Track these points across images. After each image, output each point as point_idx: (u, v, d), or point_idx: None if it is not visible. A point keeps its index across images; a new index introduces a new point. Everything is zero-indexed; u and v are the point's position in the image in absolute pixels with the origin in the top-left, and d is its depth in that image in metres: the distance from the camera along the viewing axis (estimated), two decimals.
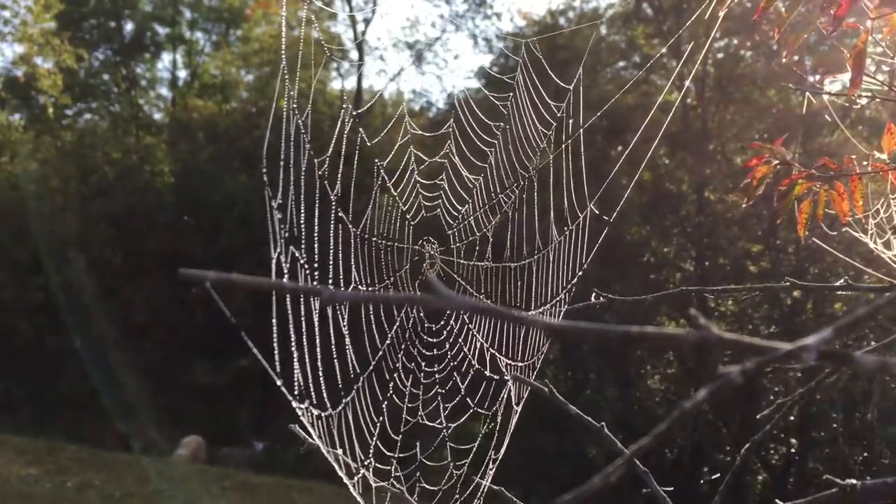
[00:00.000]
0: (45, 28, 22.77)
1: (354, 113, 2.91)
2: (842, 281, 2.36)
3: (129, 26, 28.88)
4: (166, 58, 29.95)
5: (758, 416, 2.51)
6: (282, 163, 2.31)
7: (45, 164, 25.42)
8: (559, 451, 16.78)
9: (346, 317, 2.68)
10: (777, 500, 1.77)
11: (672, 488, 2.03)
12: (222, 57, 29.15)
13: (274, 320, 2.04)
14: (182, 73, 29.72)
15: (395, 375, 3.13)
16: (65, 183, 24.59)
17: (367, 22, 26.79)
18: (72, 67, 23.46)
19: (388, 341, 3.15)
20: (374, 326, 3.11)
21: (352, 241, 3.02)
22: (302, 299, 2.16)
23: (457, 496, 2.57)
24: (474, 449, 2.83)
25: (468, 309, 0.76)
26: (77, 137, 26.46)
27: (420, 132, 3.48)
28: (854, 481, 1.68)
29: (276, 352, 2.04)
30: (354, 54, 25.03)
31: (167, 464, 17.48)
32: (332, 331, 2.53)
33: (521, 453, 14.72)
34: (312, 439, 2.24)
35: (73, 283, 22.35)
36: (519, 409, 2.67)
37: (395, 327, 3.21)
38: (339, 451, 2.30)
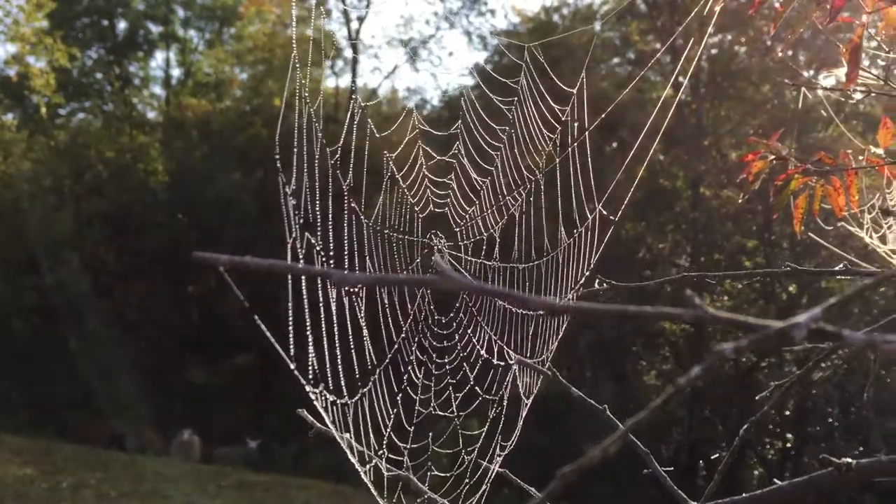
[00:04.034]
0: (37, 27, 22.66)
1: (364, 105, 2.91)
2: (840, 265, 2.38)
3: (121, 25, 28.83)
4: (160, 56, 29.89)
5: (756, 398, 2.54)
6: (294, 150, 2.32)
7: (39, 163, 25.37)
8: (557, 449, 16.80)
9: (362, 308, 2.70)
10: (775, 480, 1.79)
11: (672, 468, 2.05)
12: (216, 55, 29.08)
13: (290, 303, 2.05)
14: (175, 72, 29.69)
15: (409, 368, 3.16)
16: (58, 182, 24.55)
17: (360, 20, 26.76)
18: (65, 66, 23.35)
19: (402, 334, 3.18)
20: (389, 319, 3.14)
21: (365, 231, 3.05)
22: (319, 284, 2.18)
23: (467, 480, 2.60)
24: (483, 435, 2.86)
25: (474, 290, 0.78)
26: (70, 137, 26.41)
27: (427, 128, 3.50)
28: (849, 460, 1.70)
29: (290, 335, 2.05)
30: (348, 52, 24.99)
31: (163, 463, 17.47)
32: (348, 321, 2.55)
33: (519, 450, 14.72)
34: (325, 425, 2.25)
35: (68, 283, 22.31)
36: (529, 402, 2.70)
37: (409, 320, 3.24)
38: (348, 436, 2.30)
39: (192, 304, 24.07)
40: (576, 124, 2.70)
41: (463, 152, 3.38)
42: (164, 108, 28.82)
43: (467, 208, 3.61)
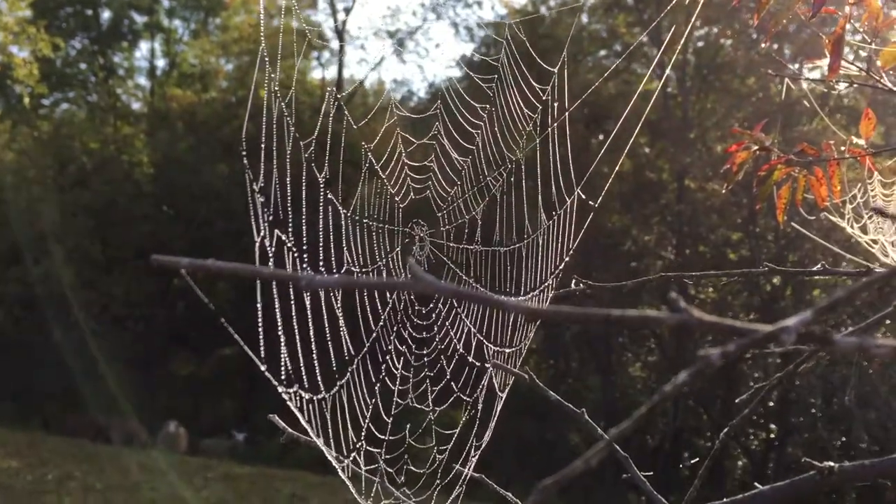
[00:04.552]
0: (20, 16, 22.43)
1: (339, 96, 2.88)
2: (819, 266, 2.38)
3: (105, 14, 28.56)
4: (144, 46, 29.69)
5: (737, 401, 2.54)
6: (262, 145, 2.28)
7: (22, 154, 25.15)
8: (541, 439, 16.88)
9: (339, 300, 2.67)
10: (756, 484, 1.78)
11: (651, 473, 2.05)
12: (201, 45, 28.86)
13: (258, 304, 2.01)
14: (160, 62, 29.45)
15: (387, 358, 3.13)
16: (42, 173, 24.34)
17: (347, 11, 26.66)
18: (48, 56, 23.12)
19: (381, 323, 3.15)
20: (367, 309, 3.11)
21: (342, 223, 3.01)
22: (289, 284, 2.14)
23: (438, 481, 2.58)
24: (456, 434, 2.84)
25: (450, 294, 0.76)
26: (54, 127, 26.18)
27: (406, 113, 3.49)
28: (832, 464, 1.69)
29: (261, 337, 2.02)
30: (335, 44, 24.89)
31: (149, 455, 17.41)
32: (324, 314, 2.52)
33: (503, 441, 14.80)
34: (294, 428, 2.23)
35: (52, 275, 22.14)
36: (504, 396, 2.68)
37: (387, 309, 3.21)
38: (320, 441, 2.28)
39: (177, 297, 23.95)
40: (556, 104, 2.69)
41: (443, 133, 3.37)
42: (148, 98, 28.59)
43: (449, 190, 3.60)
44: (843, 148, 2.58)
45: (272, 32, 2.78)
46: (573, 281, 2.47)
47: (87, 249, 23.12)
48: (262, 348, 2.03)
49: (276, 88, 2.42)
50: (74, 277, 22.46)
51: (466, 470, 2.45)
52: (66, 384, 20.49)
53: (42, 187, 23.92)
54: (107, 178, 23.85)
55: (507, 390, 2.70)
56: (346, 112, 2.91)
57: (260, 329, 2.05)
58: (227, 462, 17.54)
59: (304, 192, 2.49)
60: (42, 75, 22.88)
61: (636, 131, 2.84)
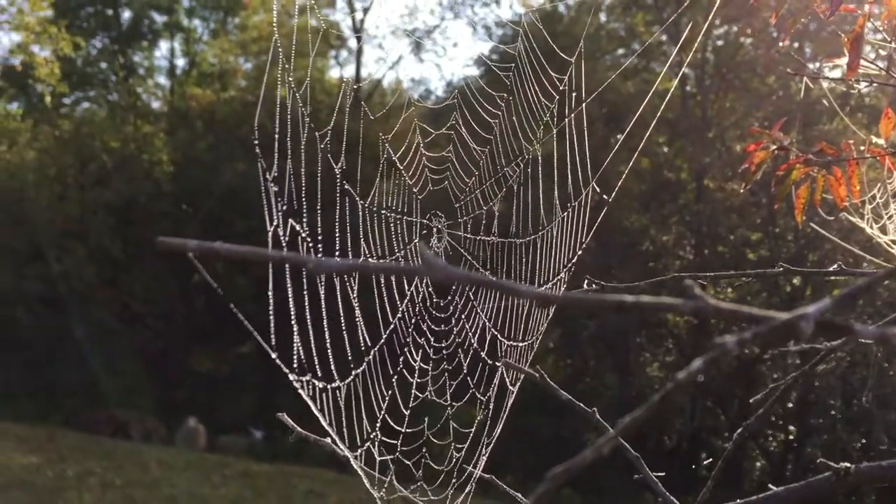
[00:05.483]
0: (41, 16, 22.62)
1: (355, 86, 2.89)
2: (835, 266, 2.36)
3: (126, 14, 28.74)
4: (164, 46, 29.85)
5: (751, 401, 2.51)
6: (277, 136, 2.29)
7: (44, 152, 25.36)
8: (557, 437, 16.84)
9: (356, 291, 2.67)
10: (770, 486, 1.77)
11: (664, 474, 2.04)
12: (220, 45, 28.98)
13: (270, 294, 2.02)
14: (180, 62, 29.60)
15: (405, 350, 3.13)
16: (63, 172, 24.55)
17: (365, 10, 26.71)
18: (69, 56, 23.29)
19: (398, 315, 3.15)
20: (386, 302, 3.10)
21: (360, 214, 3.01)
22: (304, 273, 2.13)
23: (454, 480, 2.58)
24: (472, 433, 2.84)
25: (462, 280, 0.76)
26: (75, 126, 26.38)
27: (424, 104, 3.51)
28: (848, 465, 1.68)
29: (271, 326, 2.03)
30: (353, 43, 24.99)
31: (168, 452, 17.53)
32: (340, 304, 2.52)
33: (520, 439, 14.78)
34: (309, 424, 2.24)
35: (72, 272, 22.33)
36: (515, 390, 2.68)
37: (405, 301, 3.20)
38: (329, 439, 2.28)
39: (197, 293, 24.11)
40: (573, 94, 2.68)
41: (461, 124, 3.37)
42: (168, 98, 28.76)
43: (467, 180, 3.60)
44: (862, 147, 2.56)
45: (290, 31, 2.79)
46: (585, 281, 2.46)
47: (108, 247, 23.30)
48: (272, 336, 2.03)
49: (291, 79, 2.42)
50: (95, 275, 22.64)
51: (478, 469, 2.45)
52: (86, 380, 20.66)
53: (63, 185, 24.13)
54: (127, 176, 24.03)
55: (517, 385, 2.70)
56: (363, 105, 2.91)
57: (272, 320, 2.05)
58: (244, 459, 17.63)
59: (318, 184, 2.50)
60: (63, 74, 23.04)
61: (651, 129, 2.83)
